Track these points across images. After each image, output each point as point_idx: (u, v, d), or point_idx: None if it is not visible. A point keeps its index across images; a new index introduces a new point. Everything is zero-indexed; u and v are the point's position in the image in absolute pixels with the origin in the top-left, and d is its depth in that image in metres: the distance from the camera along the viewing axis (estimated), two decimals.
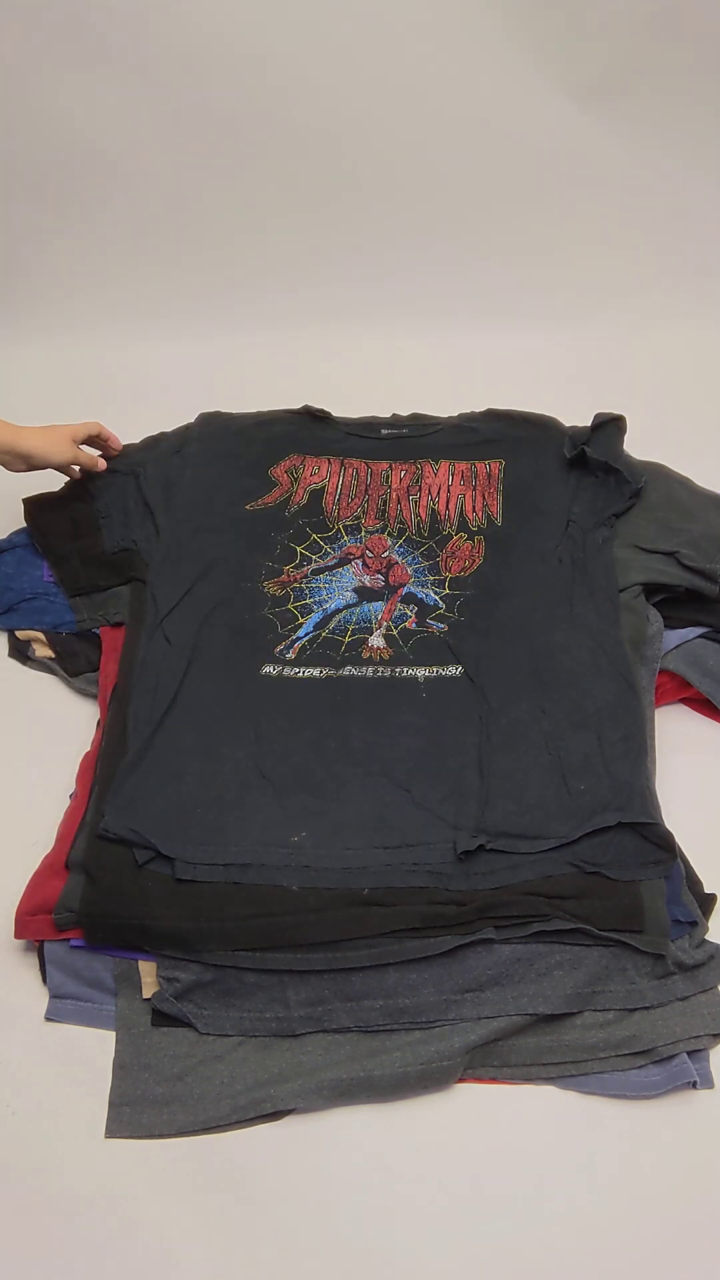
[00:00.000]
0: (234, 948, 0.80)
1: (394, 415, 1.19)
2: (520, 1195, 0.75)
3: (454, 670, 0.95)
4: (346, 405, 1.20)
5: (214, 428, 1.17)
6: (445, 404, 1.20)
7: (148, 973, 0.82)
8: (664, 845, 0.84)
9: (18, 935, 0.84)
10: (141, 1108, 0.78)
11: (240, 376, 1.34)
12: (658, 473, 1.10)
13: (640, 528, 1.04)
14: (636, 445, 1.15)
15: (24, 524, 1.13)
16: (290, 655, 0.97)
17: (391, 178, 1.37)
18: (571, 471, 1.09)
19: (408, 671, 0.95)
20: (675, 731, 1.00)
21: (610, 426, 1.11)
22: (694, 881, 0.88)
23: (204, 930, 0.80)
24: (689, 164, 1.37)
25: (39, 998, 0.84)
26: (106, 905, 0.82)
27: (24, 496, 1.12)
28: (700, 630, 1.03)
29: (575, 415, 1.16)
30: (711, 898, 0.88)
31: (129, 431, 1.16)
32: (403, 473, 1.12)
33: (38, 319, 1.45)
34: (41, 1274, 0.72)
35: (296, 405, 1.19)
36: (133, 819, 0.84)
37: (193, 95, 1.30)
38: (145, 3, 1.23)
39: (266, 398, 1.21)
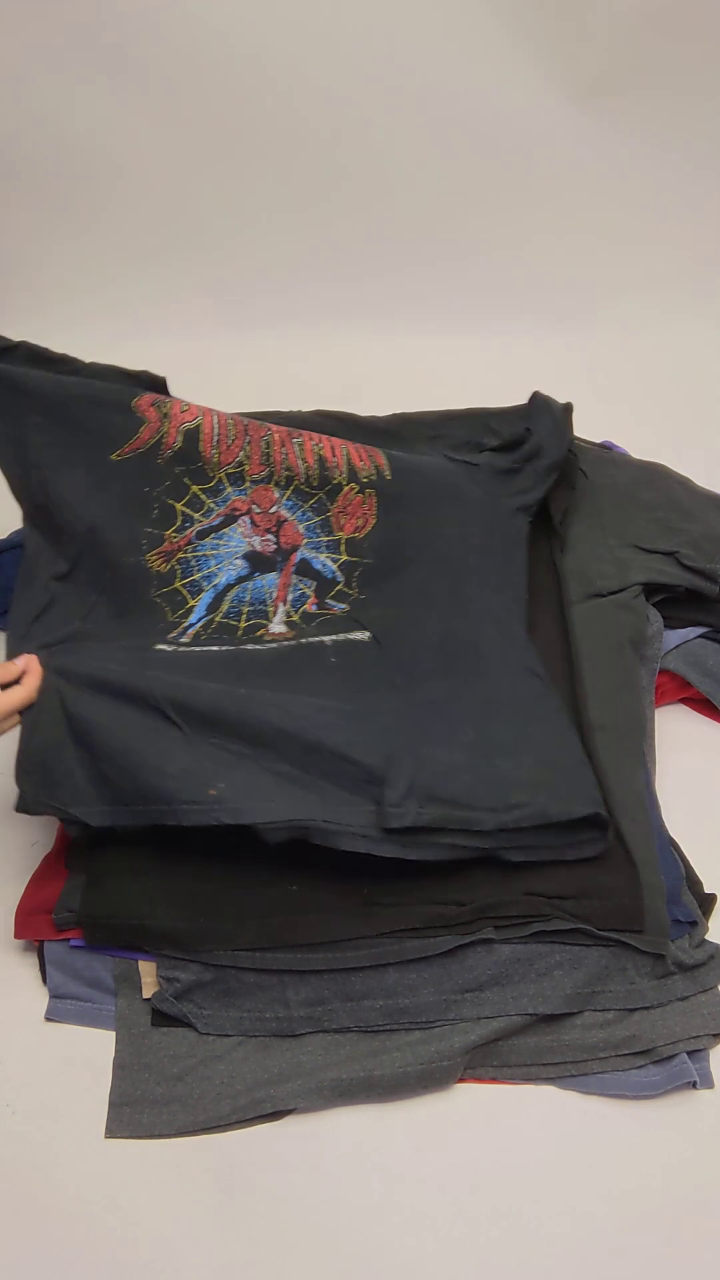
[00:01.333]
0: (234, 948, 0.80)
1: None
2: (520, 1195, 0.75)
3: (361, 635, 0.92)
4: (345, 405, 1.19)
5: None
6: (444, 404, 1.20)
7: (148, 973, 0.82)
8: (596, 824, 0.82)
9: (18, 935, 0.84)
10: (141, 1108, 0.78)
11: (238, 376, 1.34)
12: (658, 473, 1.10)
13: (640, 528, 1.04)
14: (637, 445, 1.15)
15: (24, 524, 1.13)
16: (185, 640, 0.91)
17: (390, 177, 1.37)
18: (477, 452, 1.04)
19: (314, 639, 0.91)
20: (675, 731, 1.00)
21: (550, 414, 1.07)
22: (694, 881, 0.88)
23: (204, 930, 0.80)
24: (690, 164, 1.37)
25: (39, 998, 0.84)
26: (106, 905, 0.81)
27: None
28: (700, 630, 1.03)
29: (575, 416, 1.16)
30: (711, 898, 0.88)
31: None
32: (277, 424, 1.03)
33: (34, 321, 1.44)
34: (41, 1274, 0.72)
35: (294, 405, 1.18)
36: (48, 789, 0.81)
37: (189, 94, 1.29)
38: (141, 2, 1.23)
39: (264, 397, 1.20)
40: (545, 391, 1.11)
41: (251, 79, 1.29)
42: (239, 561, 0.95)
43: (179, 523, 0.95)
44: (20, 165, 1.34)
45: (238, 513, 0.96)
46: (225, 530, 0.96)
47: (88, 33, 1.24)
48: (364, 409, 1.19)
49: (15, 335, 1.43)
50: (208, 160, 1.35)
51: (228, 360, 1.39)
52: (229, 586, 0.95)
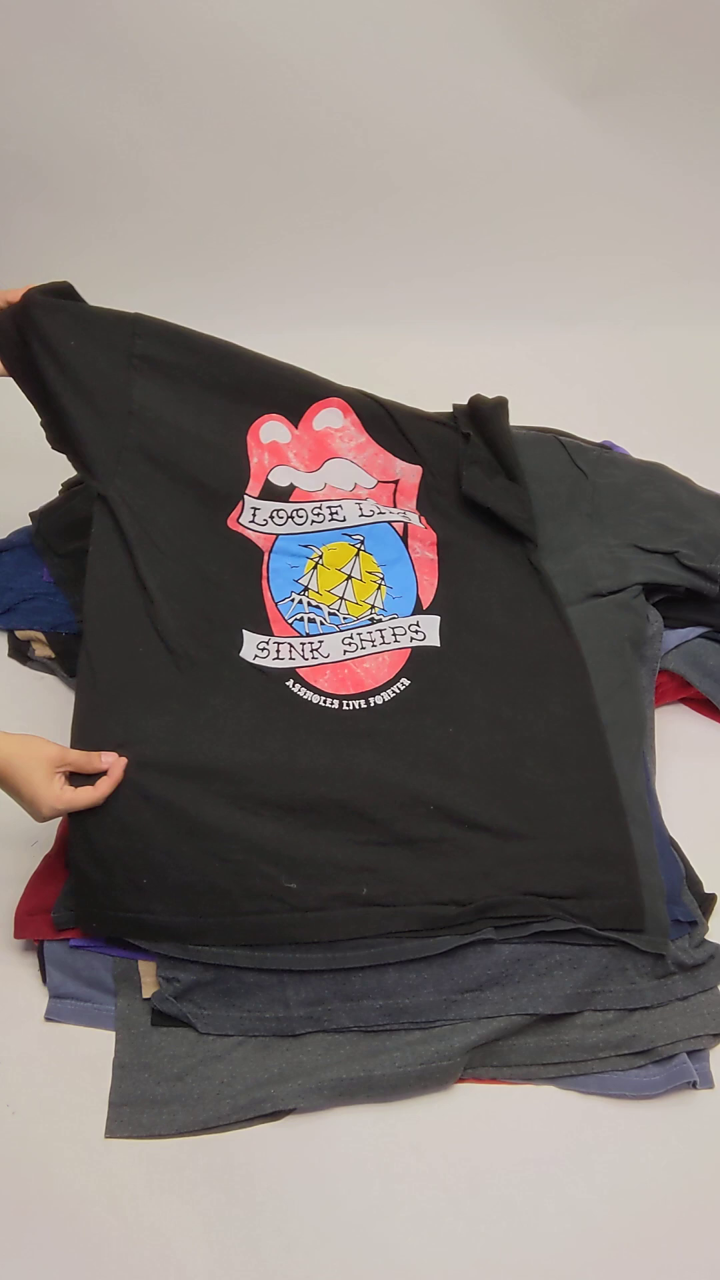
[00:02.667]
0: (232, 943, 0.80)
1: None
2: (520, 1195, 0.75)
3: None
4: None
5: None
6: (444, 406, 1.20)
7: (148, 972, 0.82)
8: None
9: (17, 935, 0.84)
10: (141, 1108, 0.78)
11: None
12: (658, 473, 1.10)
13: (640, 527, 1.04)
14: (637, 445, 1.15)
15: (24, 524, 1.13)
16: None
17: (392, 180, 1.37)
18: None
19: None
20: (675, 731, 1.00)
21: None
22: (694, 881, 0.88)
23: (201, 925, 0.80)
24: (690, 165, 1.37)
25: (39, 998, 0.84)
26: (104, 900, 0.81)
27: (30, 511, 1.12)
28: (700, 630, 1.03)
29: (575, 416, 1.16)
30: (711, 898, 0.88)
31: None
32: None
33: None
34: (41, 1274, 0.72)
35: None
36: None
37: (200, 104, 1.30)
38: (150, 7, 1.23)
39: None
40: (545, 391, 1.11)
41: (251, 82, 1.29)
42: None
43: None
44: (31, 173, 1.35)
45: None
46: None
47: (100, 40, 1.24)
48: None
49: None
50: (208, 166, 1.35)
51: None
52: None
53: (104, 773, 0.82)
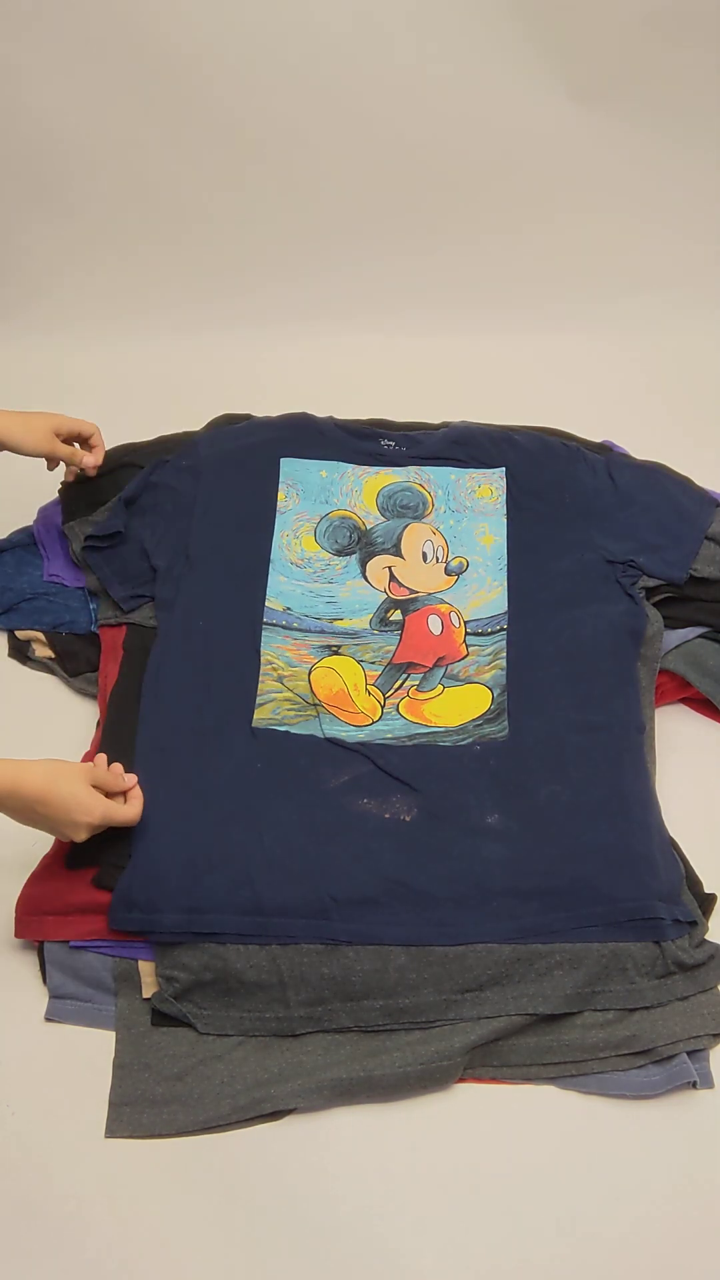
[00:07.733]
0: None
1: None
2: (520, 1195, 0.75)
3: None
4: (342, 405, 1.19)
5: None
6: (444, 405, 1.20)
7: (147, 973, 0.82)
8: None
9: (18, 934, 0.84)
10: (141, 1108, 0.78)
11: (235, 376, 1.34)
12: (657, 473, 1.10)
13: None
14: (638, 445, 1.15)
15: (23, 524, 1.13)
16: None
17: (391, 177, 1.37)
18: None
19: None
20: (675, 731, 1.00)
21: None
22: (694, 882, 0.88)
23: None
24: (691, 163, 1.37)
25: (39, 998, 0.84)
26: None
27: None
28: (700, 630, 1.03)
29: (575, 416, 1.16)
30: (711, 898, 0.88)
31: (118, 433, 1.15)
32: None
33: (23, 318, 1.44)
34: (42, 1274, 0.72)
35: (291, 405, 1.17)
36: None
37: (184, 91, 1.29)
38: (150, 6, 1.23)
39: (260, 397, 1.20)
40: (545, 391, 1.11)
41: (248, 77, 1.28)
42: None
43: None
44: (26, 175, 1.34)
45: None
46: None
47: (76, 28, 1.23)
48: (362, 409, 1.19)
49: (2, 332, 1.43)
50: (201, 160, 1.35)
51: (221, 360, 1.39)
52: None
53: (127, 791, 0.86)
